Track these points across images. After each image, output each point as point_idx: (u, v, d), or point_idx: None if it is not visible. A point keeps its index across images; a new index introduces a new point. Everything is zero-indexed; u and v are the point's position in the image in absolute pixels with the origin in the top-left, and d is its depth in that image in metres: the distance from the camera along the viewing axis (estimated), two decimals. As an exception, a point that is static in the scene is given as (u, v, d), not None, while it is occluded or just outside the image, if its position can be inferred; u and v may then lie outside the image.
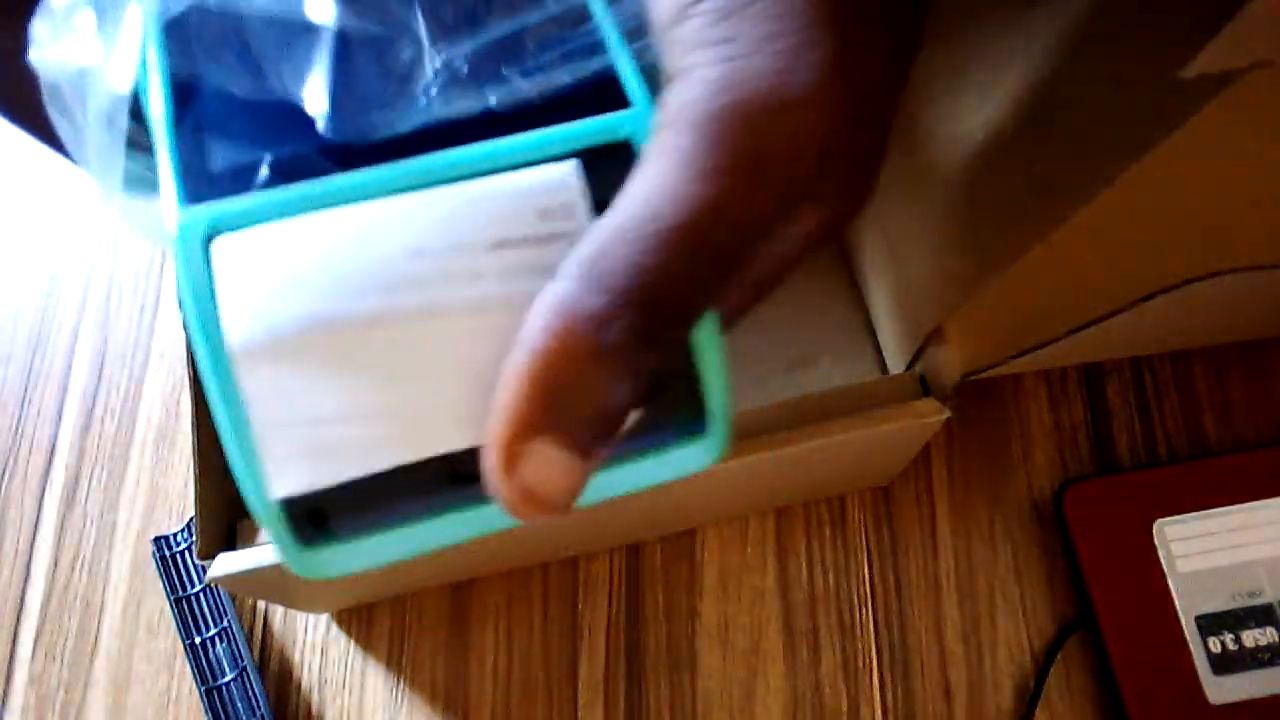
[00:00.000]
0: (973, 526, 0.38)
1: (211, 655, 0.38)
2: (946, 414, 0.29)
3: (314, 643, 0.39)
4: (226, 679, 0.37)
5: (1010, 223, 0.27)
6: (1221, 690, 0.34)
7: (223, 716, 0.36)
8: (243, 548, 0.29)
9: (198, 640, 0.38)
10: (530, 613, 0.38)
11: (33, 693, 0.39)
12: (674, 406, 0.15)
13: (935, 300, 0.31)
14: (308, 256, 0.14)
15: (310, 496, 0.14)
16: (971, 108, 0.29)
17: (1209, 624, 0.34)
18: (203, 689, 0.37)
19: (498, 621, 0.38)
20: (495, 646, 0.38)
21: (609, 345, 0.12)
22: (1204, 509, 0.36)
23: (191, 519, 0.29)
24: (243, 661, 0.37)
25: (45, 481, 0.42)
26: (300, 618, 0.39)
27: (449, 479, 0.14)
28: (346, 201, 0.14)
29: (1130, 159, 0.22)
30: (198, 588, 0.39)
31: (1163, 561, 0.35)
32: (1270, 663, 0.34)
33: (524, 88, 0.15)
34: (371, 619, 0.39)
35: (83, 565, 0.41)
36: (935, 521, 0.38)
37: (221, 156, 0.15)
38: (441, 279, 0.14)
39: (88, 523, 0.41)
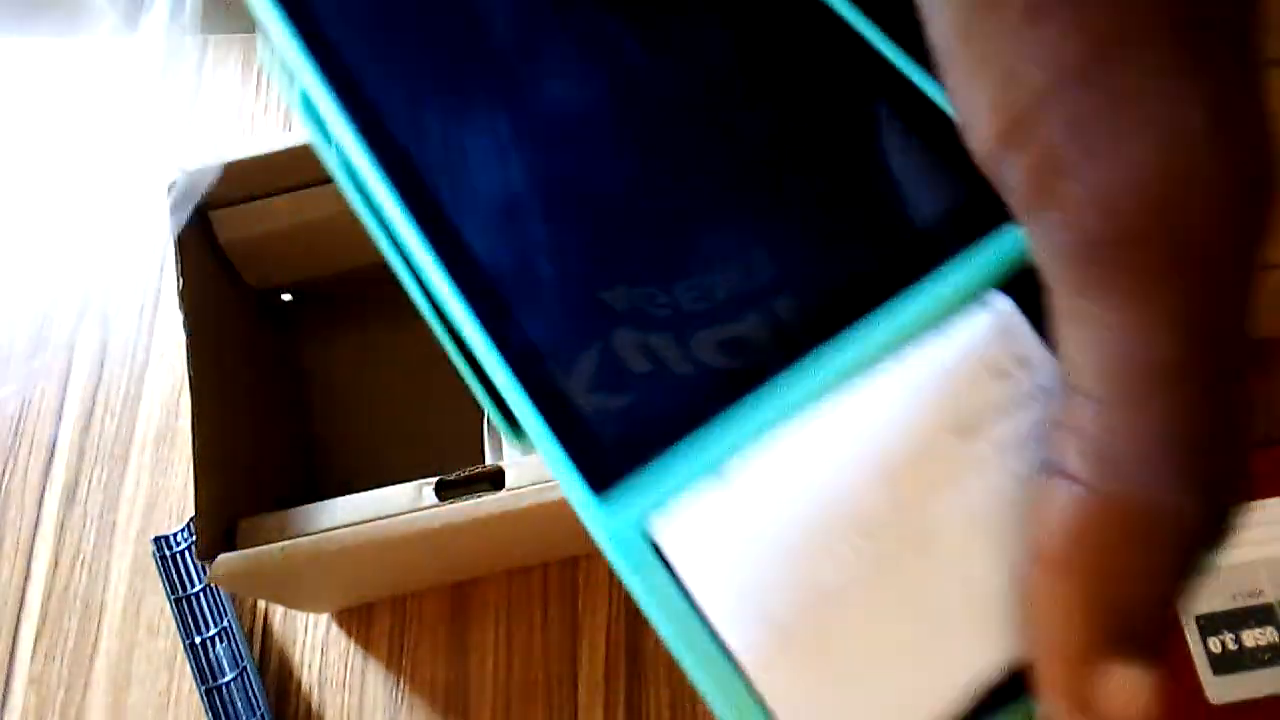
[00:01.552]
0: (973, 526, 0.38)
1: (211, 655, 0.38)
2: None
3: (314, 643, 0.39)
4: (226, 679, 0.37)
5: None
6: (1221, 690, 0.34)
7: (223, 716, 0.36)
8: (243, 548, 0.29)
9: (198, 640, 0.38)
10: (530, 613, 0.38)
11: (33, 693, 0.39)
12: None
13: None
14: (769, 518, 0.11)
15: None
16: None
17: (1209, 624, 0.34)
18: (203, 689, 0.37)
19: (498, 621, 0.38)
20: (495, 646, 0.38)
21: (1165, 528, 0.11)
22: (1204, 509, 0.36)
23: (191, 519, 0.29)
24: (243, 661, 0.37)
25: (45, 481, 0.42)
26: (300, 618, 0.39)
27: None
28: (764, 429, 0.12)
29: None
30: (198, 588, 0.39)
31: (1163, 561, 0.35)
32: (1270, 663, 0.34)
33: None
34: (371, 619, 0.39)
35: (83, 565, 0.41)
36: (935, 521, 0.38)
37: (598, 411, 0.12)
38: (921, 497, 0.11)
39: (88, 522, 0.41)
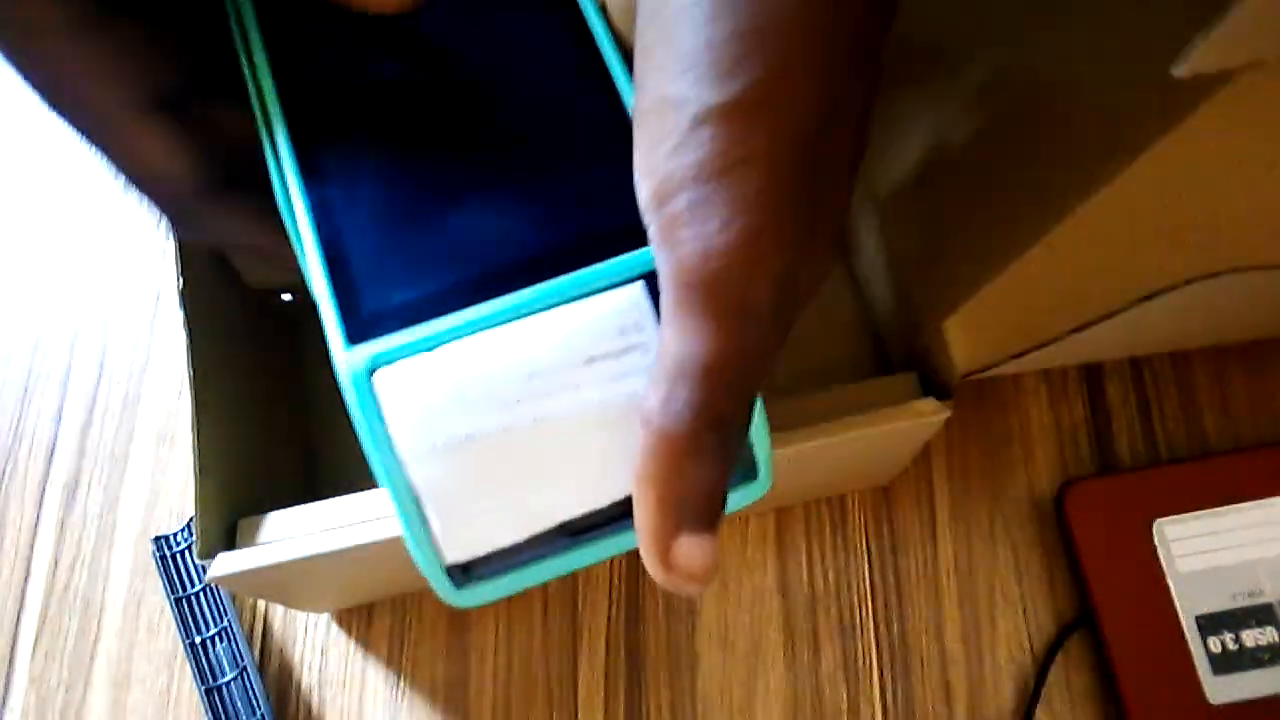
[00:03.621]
0: (973, 526, 0.38)
1: (211, 655, 0.38)
2: (946, 414, 0.29)
3: (314, 643, 0.39)
4: (226, 679, 0.37)
5: (1010, 223, 0.27)
6: (1221, 690, 0.34)
7: (223, 716, 0.36)
8: (243, 547, 0.29)
9: (198, 640, 0.38)
10: (530, 613, 0.38)
11: (33, 693, 0.39)
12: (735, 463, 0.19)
13: (935, 300, 0.31)
14: (448, 382, 0.18)
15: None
16: (970, 108, 0.29)
17: (1209, 624, 0.34)
18: (203, 689, 0.37)
19: (498, 621, 0.38)
20: (495, 647, 0.38)
21: (703, 454, 0.17)
22: (1204, 509, 0.36)
23: (191, 519, 0.29)
24: (243, 661, 0.37)
25: (45, 481, 0.42)
26: (300, 618, 0.39)
27: (565, 533, 0.19)
28: (470, 333, 0.18)
29: (1128, 158, 0.22)
30: (198, 587, 0.39)
31: (1163, 561, 0.35)
32: (1270, 663, 0.34)
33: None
34: (371, 619, 0.39)
35: (83, 565, 0.41)
36: (935, 521, 0.38)
37: (371, 298, 0.19)
38: (551, 392, 0.18)
39: (88, 523, 0.41)
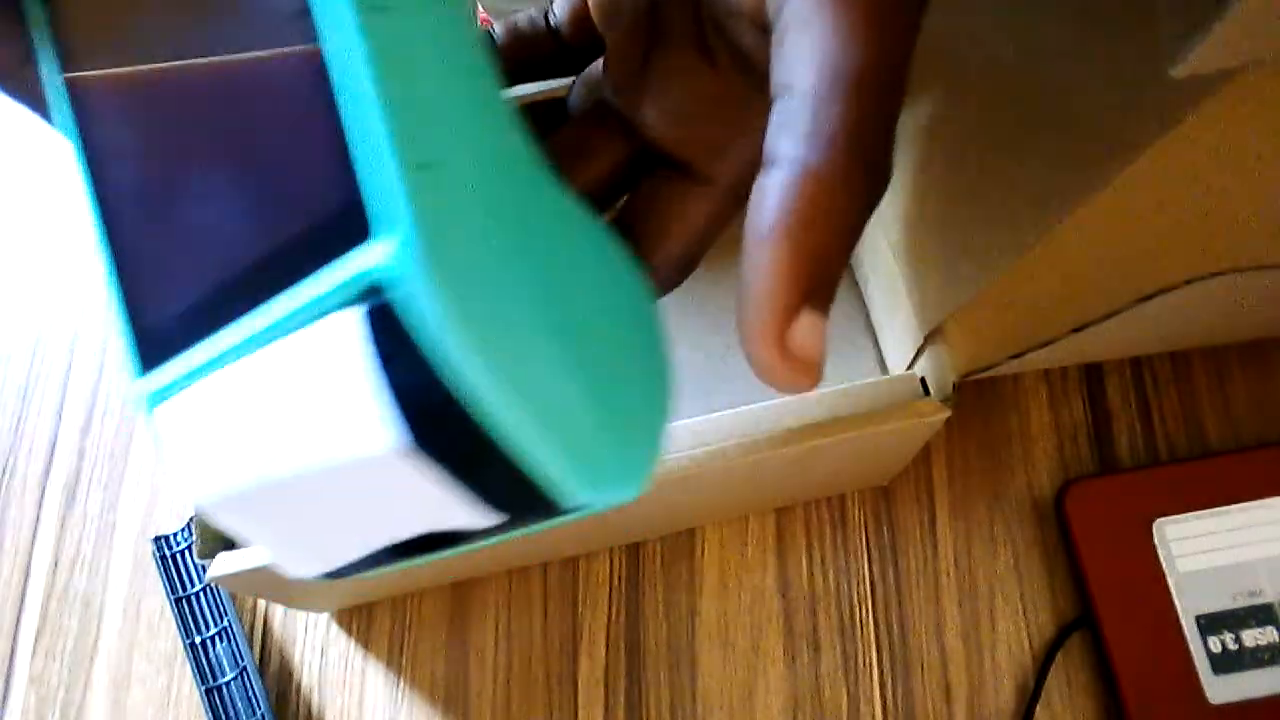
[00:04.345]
0: (973, 526, 0.38)
1: (211, 655, 0.38)
2: (946, 414, 0.29)
3: (314, 643, 0.39)
4: (226, 679, 0.37)
5: (1010, 222, 0.27)
6: (1221, 690, 0.34)
7: (223, 716, 0.36)
8: (243, 547, 0.29)
9: (198, 640, 0.38)
10: (530, 613, 0.38)
11: (33, 693, 0.39)
12: None
13: (935, 300, 0.31)
14: (215, 423, 0.16)
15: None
16: (969, 108, 0.29)
17: (1209, 624, 0.34)
18: (203, 689, 0.37)
19: (498, 621, 0.38)
20: (495, 646, 0.38)
21: (852, 193, 0.14)
22: (1204, 509, 0.36)
23: (191, 519, 0.29)
24: (243, 661, 0.37)
25: (45, 481, 0.42)
26: (300, 618, 0.39)
27: (388, 551, 0.17)
28: (227, 362, 0.15)
29: (1128, 158, 0.22)
30: (198, 587, 0.39)
31: (1163, 561, 0.35)
32: (1270, 663, 0.34)
33: None
34: (371, 619, 0.39)
35: (83, 565, 0.41)
36: (935, 521, 0.38)
37: (153, 308, 0.17)
38: (296, 438, 0.15)
39: (88, 523, 0.41)
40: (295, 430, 0.15)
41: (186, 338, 0.16)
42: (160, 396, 0.16)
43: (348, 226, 0.14)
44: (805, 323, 0.14)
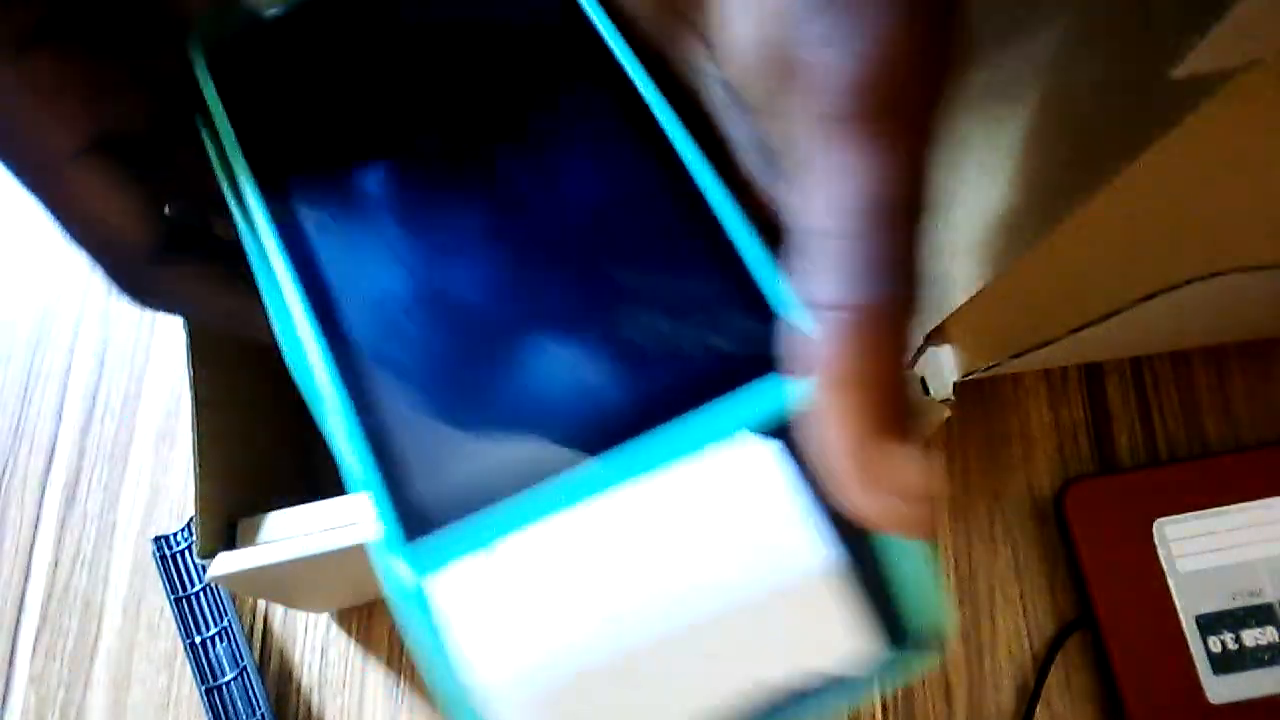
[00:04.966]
0: (973, 526, 0.38)
1: (211, 655, 0.38)
2: (946, 414, 0.29)
3: (314, 643, 0.39)
4: (226, 679, 0.37)
5: (1010, 222, 0.27)
6: (1221, 690, 0.34)
7: (223, 716, 0.36)
8: (243, 547, 0.29)
9: (198, 640, 0.38)
10: (530, 613, 0.38)
11: (33, 693, 0.39)
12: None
13: (935, 300, 0.31)
14: (528, 592, 0.13)
15: None
16: (969, 108, 0.29)
17: (1209, 624, 0.34)
18: (203, 689, 0.37)
19: (498, 621, 0.38)
20: (495, 646, 0.38)
21: (908, 321, 0.13)
22: (1204, 509, 0.36)
23: (191, 518, 0.29)
24: (243, 661, 0.37)
25: (45, 481, 0.42)
26: (300, 618, 0.39)
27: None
28: (543, 516, 0.13)
29: (1128, 158, 0.22)
30: (198, 587, 0.39)
31: (1163, 561, 0.35)
32: (1270, 663, 0.34)
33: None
34: (372, 619, 0.39)
35: (83, 565, 0.41)
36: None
37: (421, 474, 0.14)
38: (670, 599, 0.13)
39: (88, 522, 0.41)
40: (699, 571, 0.13)
41: (465, 501, 0.14)
42: (436, 564, 0.13)
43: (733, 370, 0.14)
44: (897, 452, 0.13)
